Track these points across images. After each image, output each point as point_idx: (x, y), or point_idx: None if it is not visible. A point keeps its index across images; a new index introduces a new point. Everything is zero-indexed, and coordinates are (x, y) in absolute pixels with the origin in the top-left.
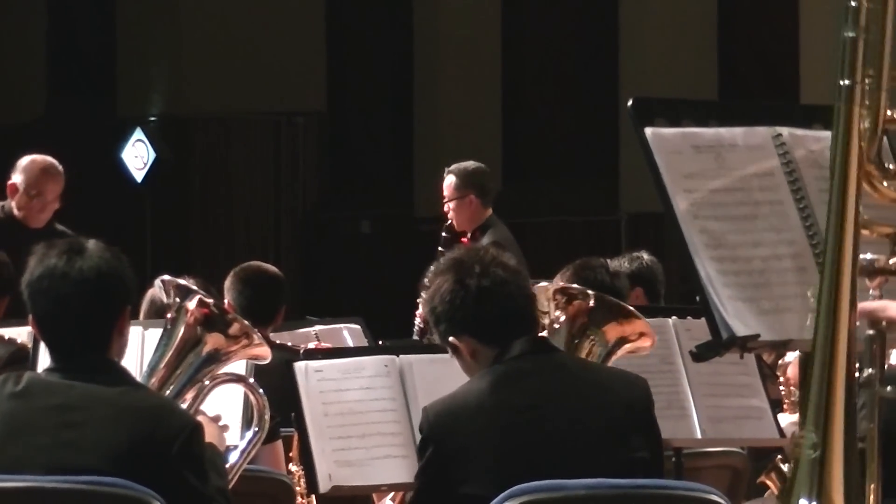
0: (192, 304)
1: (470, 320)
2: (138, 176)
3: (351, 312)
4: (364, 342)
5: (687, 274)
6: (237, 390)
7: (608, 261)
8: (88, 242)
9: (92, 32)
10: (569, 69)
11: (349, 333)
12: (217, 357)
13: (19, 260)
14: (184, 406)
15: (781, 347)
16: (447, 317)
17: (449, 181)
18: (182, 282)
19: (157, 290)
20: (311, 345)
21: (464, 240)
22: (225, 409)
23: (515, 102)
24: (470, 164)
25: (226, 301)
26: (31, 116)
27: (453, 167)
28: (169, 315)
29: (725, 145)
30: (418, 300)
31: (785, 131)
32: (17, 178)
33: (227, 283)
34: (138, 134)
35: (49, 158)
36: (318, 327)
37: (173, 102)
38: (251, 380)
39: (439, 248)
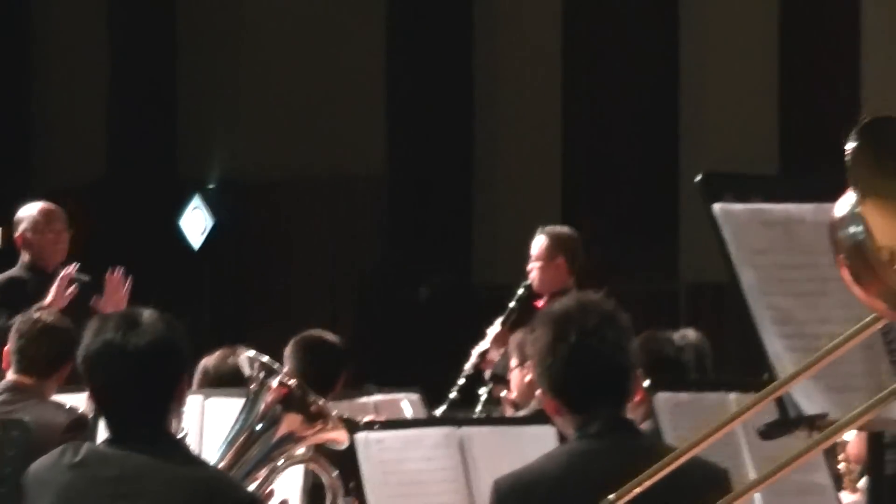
0: (274, 383)
1: (554, 382)
2: (196, 242)
3: (408, 380)
4: (422, 412)
5: (752, 349)
6: (299, 470)
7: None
8: (143, 314)
9: (154, 95)
10: (628, 140)
11: (408, 403)
12: (293, 438)
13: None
14: (255, 484)
15: (851, 426)
16: (537, 371)
17: (540, 241)
18: (266, 359)
19: (210, 360)
20: (368, 417)
21: (538, 303)
22: (286, 487)
23: (574, 171)
24: (564, 228)
25: (285, 368)
26: (91, 178)
27: (548, 229)
28: (251, 389)
29: (794, 221)
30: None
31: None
32: (20, 228)
33: (288, 350)
34: (197, 201)
35: (40, 202)
36: (376, 397)
37: (233, 167)
38: (325, 461)
39: (511, 306)
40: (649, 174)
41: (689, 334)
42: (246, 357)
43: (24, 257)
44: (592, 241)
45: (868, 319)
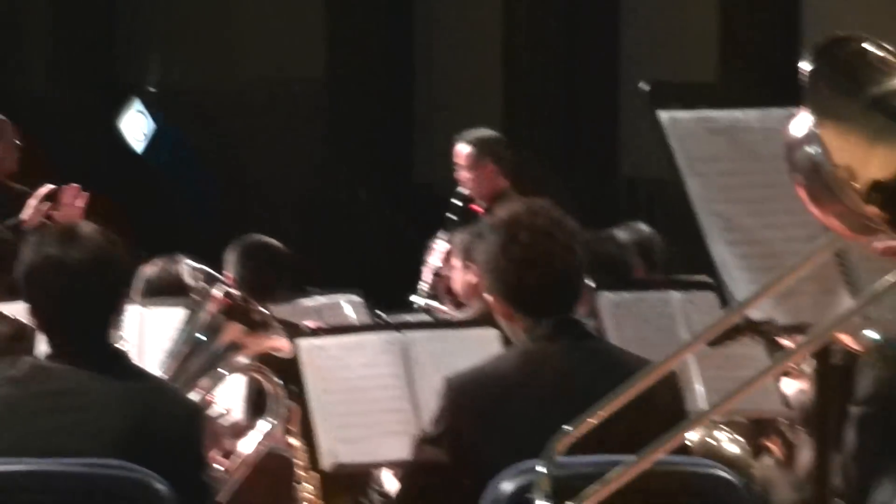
0: (216, 292)
1: (507, 286)
2: (138, 146)
3: (350, 281)
4: (364, 314)
5: (690, 244)
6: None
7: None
8: (82, 228)
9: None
10: (569, 27)
11: (349, 305)
12: (235, 347)
13: None
14: (198, 394)
15: (795, 332)
16: (488, 275)
17: (464, 149)
18: (207, 269)
19: (151, 270)
20: (311, 322)
21: (475, 207)
22: (229, 395)
23: (515, 66)
24: (485, 131)
25: (227, 275)
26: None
27: (468, 134)
28: (193, 299)
29: (740, 128)
30: (424, 266)
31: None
32: None
33: (229, 256)
34: (138, 104)
35: None
36: (318, 299)
37: (173, 72)
38: (267, 370)
39: (451, 217)
40: (588, 76)
41: (642, 228)
42: (187, 267)
43: None
44: (531, 141)
45: (825, 241)
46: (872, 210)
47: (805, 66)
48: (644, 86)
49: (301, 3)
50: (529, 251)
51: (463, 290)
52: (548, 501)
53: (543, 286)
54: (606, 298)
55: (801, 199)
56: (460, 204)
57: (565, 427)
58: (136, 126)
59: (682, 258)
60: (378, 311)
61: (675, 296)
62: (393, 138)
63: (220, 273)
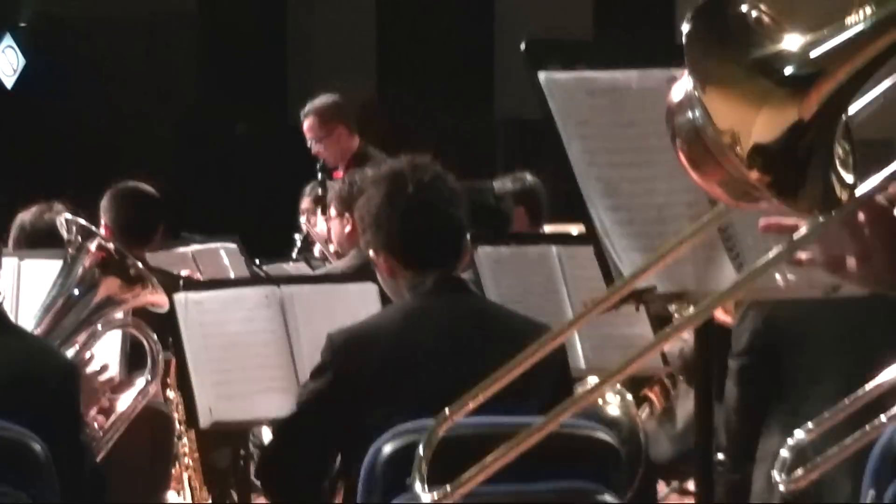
0: (92, 246)
1: (391, 239)
2: (9, 82)
3: (227, 225)
4: (241, 262)
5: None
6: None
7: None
8: None
9: None
10: None
11: (225, 253)
12: (112, 302)
13: None
14: (74, 349)
15: (677, 299)
16: (371, 230)
17: (310, 122)
18: (84, 222)
19: (26, 216)
20: (186, 271)
21: (338, 174)
22: (106, 350)
23: (390, 4)
24: (325, 98)
25: (102, 222)
26: None
27: (309, 107)
28: (69, 252)
29: (620, 89)
30: (301, 220)
31: (681, 73)
32: None
33: (104, 203)
34: (8, 39)
35: None
36: (193, 247)
37: (44, 5)
38: (144, 325)
39: (318, 185)
40: (463, 29)
41: (525, 177)
42: (63, 219)
43: None
44: (406, 85)
45: (712, 214)
46: (754, 174)
47: (685, 28)
48: (522, 44)
49: None
50: (414, 201)
51: (339, 239)
52: (426, 489)
53: (428, 236)
54: (485, 253)
55: (682, 164)
56: (321, 173)
57: (446, 410)
58: (6, 62)
59: (564, 201)
60: (256, 261)
61: (555, 250)
62: (268, 76)
63: (97, 221)
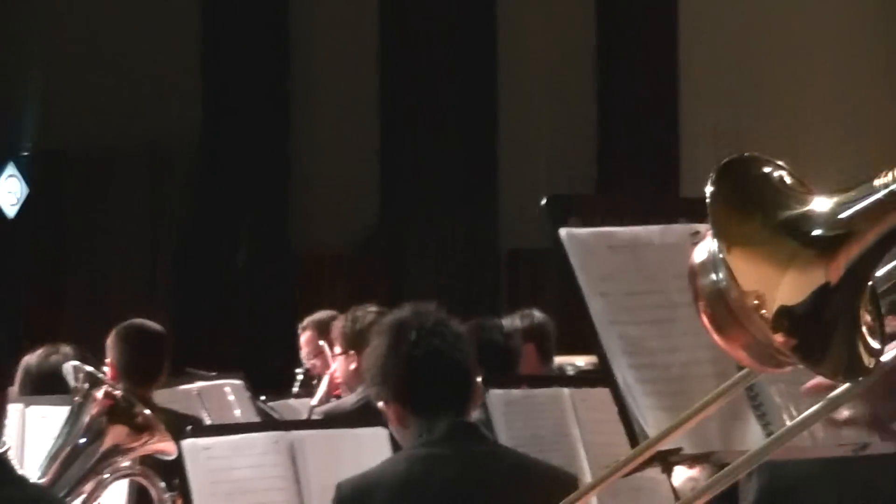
0: (99, 394)
1: (397, 387)
2: (10, 211)
3: (231, 357)
4: (246, 399)
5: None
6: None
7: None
8: None
9: None
10: (447, 104)
11: (231, 389)
12: (119, 450)
13: None
14: (80, 499)
15: (704, 460)
16: (378, 381)
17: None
18: (91, 369)
19: (31, 359)
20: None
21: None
22: (113, 499)
23: (393, 134)
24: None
25: (107, 360)
26: None
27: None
28: (76, 400)
29: (641, 245)
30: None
31: (703, 228)
32: None
33: (109, 342)
34: (11, 168)
35: None
36: (199, 384)
37: (47, 136)
38: (152, 473)
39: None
40: (469, 142)
41: (534, 314)
42: (70, 366)
43: None
44: (409, 220)
45: (739, 376)
46: (779, 338)
47: (708, 188)
48: (543, 201)
49: (178, 68)
50: (418, 349)
51: (343, 375)
52: None
53: (435, 383)
54: (496, 396)
55: (705, 327)
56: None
57: None
58: (9, 190)
59: (571, 334)
60: (262, 397)
61: (567, 392)
62: (271, 204)
63: (101, 356)
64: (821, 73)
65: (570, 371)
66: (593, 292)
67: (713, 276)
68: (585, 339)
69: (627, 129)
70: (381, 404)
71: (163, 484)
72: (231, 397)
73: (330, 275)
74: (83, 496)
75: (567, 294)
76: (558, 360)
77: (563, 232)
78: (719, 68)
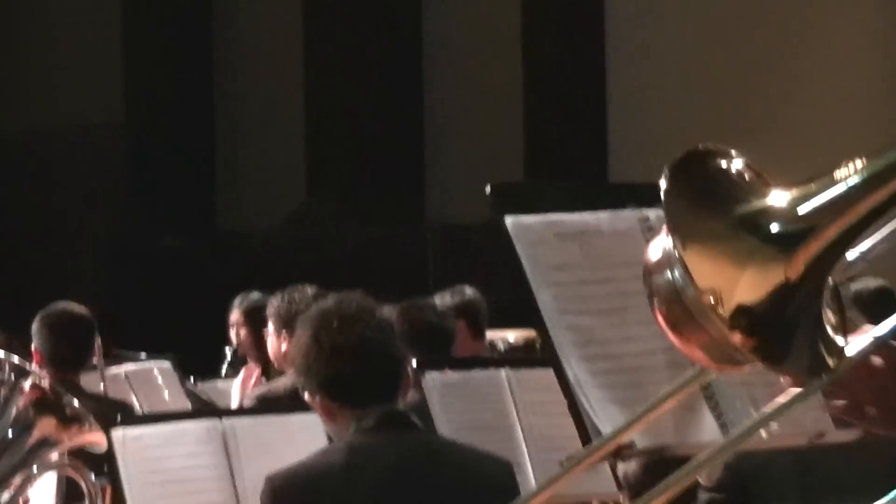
0: (26, 385)
1: (322, 379)
2: None
3: (157, 334)
4: (175, 382)
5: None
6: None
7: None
8: None
9: None
10: (372, 80)
11: (159, 372)
12: (48, 442)
13: None
14: (9, 493)
15: (658, 454)
16: (303, 372)
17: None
18: (17, 360)
19: None
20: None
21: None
22: (42, 492)
23: (318, 113)
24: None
25: (32, 346)
26: None
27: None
28: (1, 392)
29: (591, 231)
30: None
31: (652, 214)
32: None
33: (34, 328)
34: None
35: None
36: (128, 366)
37: None
38: (82, 466)
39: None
40: (396, 120)
41: (466, 290)
42: None
43: None
44: (335, 193)
45: (692, 374)
46: (737, 338)
47: (662, 183)
48: (487, 189)
49: (99, 48)
50: (340, 337)
51: (276, 356)
52: None
53: (361, 373)
54: (433, 379)
55: (661, 327)
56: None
57: None
58: None
59: (498, 309)
60: (191, 378)
61: (503, 373)
62: (197, 183)
63: (23, 339)
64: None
65: (502, 346)
66: (542, 283)
67: (669, 275)
68: (516, 314)
69: (554, 105)
70: (307, 396)
71: (93, 476)
72: (160, 380)
73: (256, 253)
74: (11, 490)
75: (496, 269)
76: (489, 334)
77: (509, 220)
78: (648, 53)
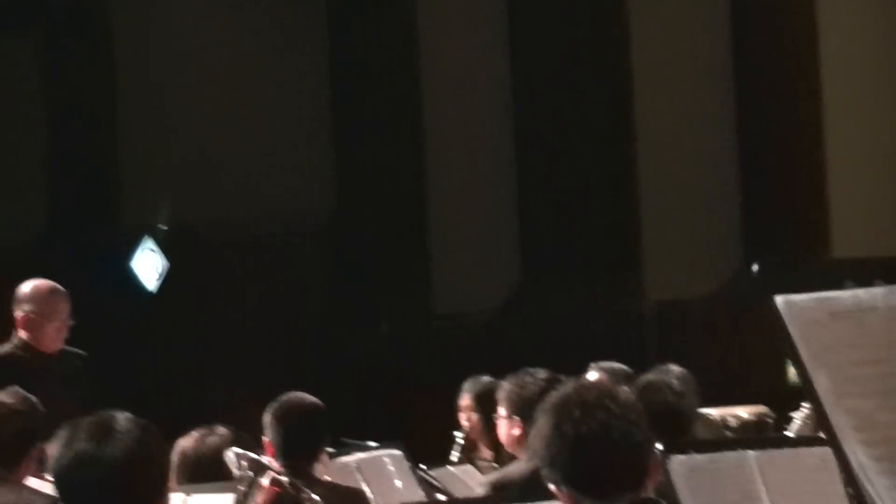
0: (265, 481)
1: (567, 471)
2: (151, 285)
3: (381, 424)
4: (406, 469)
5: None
6: None
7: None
8: (118, 419)
9: (93, 145)
10: (584, 158)
11: (391, 461)
12: None
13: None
14: None
15: None
16: (546, 463)
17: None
18: (255, 456)
19: (187, 442)
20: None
21: None
22: None
23: (530, 192)
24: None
25: (264, 439)
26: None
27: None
28: (240, 489)
29: (865, 309)
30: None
31: None
32: (25, 308)
33: (266, 420)
34: (149, 243)
35: (47, 281)
36: (357, 456)
37: (182, 212)
38: None
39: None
40: (606, 210)
41: (673, 370)
42: (233, 453)
43: (18, 336)
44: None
45: None
46: None
47: None
48: (754, 266)
49: (309, 139)
50: (583, 427)
51: (507, 440)
52: None
53: (606, 463)
54: (679, 463)
55: None
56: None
57: None
58: (149, 265)
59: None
60: (421, 466)
61: (752, 454)
62: (409, 268)
63: (253, 433)
64: None
65: (733, 423)
66: (817, 364)
67: None
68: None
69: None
70: (552, 487)
71: None
72: (391, 468)
73: (473, 336)
74: None
75: (715, 345)
76: (718, 412)
77: (780, 300)
78: None
